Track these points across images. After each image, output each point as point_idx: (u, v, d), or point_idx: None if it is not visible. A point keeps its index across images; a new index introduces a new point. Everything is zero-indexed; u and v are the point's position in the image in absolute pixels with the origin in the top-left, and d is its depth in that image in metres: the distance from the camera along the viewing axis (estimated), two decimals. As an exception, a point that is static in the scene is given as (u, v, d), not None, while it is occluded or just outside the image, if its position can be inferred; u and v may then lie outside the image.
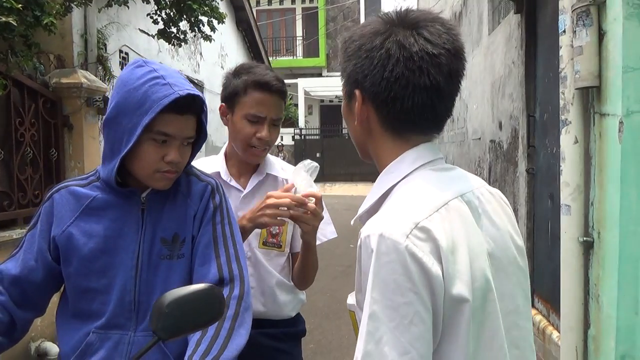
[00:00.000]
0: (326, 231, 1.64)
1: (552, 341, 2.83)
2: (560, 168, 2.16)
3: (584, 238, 2.08)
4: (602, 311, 1.98)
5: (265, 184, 1.62)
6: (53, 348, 3.51)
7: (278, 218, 1.38)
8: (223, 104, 1.57)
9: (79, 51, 4.19)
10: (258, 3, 19.61)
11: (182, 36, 4.30)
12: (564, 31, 2.08)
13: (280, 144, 16.85)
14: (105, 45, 4.57)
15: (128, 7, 4.02)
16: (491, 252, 0.83)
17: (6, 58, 3.04)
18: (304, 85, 19.35)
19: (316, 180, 1.48)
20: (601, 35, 1.90)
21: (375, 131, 0.89)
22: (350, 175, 17.49)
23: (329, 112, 21.58)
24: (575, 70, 1.99)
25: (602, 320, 1.98)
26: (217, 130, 6.86)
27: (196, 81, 6.97)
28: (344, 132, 20.40)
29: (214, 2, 4.38)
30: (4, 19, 2.60)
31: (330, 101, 21.27)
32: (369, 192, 0.91)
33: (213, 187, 1.31)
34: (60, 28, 3.65)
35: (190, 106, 1.19)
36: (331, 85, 19.14)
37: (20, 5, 2.62)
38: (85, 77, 3.99)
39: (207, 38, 4.41)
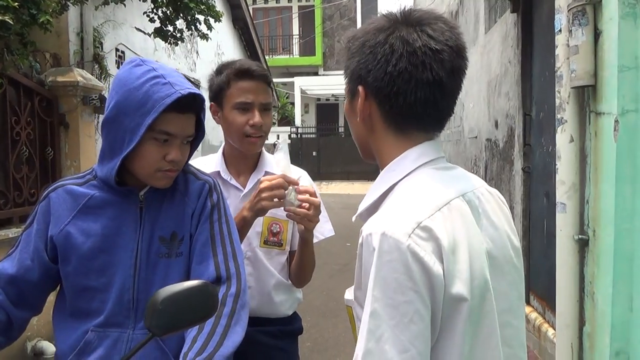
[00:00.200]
0: (324, 229, 1.64)
1: (548, 338, 2.85)
2: (556, 166, 2.18)
3: (579, 236, 2.10)
4: (597, 308, 2.00)
5: None
6: (49, 347, 3.50)
7: (275, 200, 1.40)
8: (212, 103, 1.58)
9: (75, 49, 4.18)
10: (254, 1, 19.58)
11: (178, 35, 4.29)
12: (560, 30, 2.09)
13: (276, 142, 16.87)
14: (101, 43, 4.55)
15: (125, 5, 4.01)
16: (489, 251, 0.84)
17: (2, 56, 3.03)
18: (301, 83, 19.34)
19: (313, 179, 1.49)
20: (597, 34, 1.91)
21: (378, 128, 0.90)
22: (346, 173, 17.50)
23: (325, 110, 21.60)
24: (571, 69, 2.00)
25: (597, 318, 2.00)
26: (213, 129, 6.84)
27: (193, 80, 6.95)
28: (340, 130, 20.41)
29: (210, 1, 4.38)
30: (0, 18, 2.59)
31: (327, 100, 21.28)
32: (369, 189, 0.91)
33: (210, 186, 1.32)
34: (56, 26, 3.65)
35: (191, 105, 1.19)
36: (327, 84, 19.14)
37: (16, 3, 2.62)
38: (81, 76, 3.98)
39: (204, 37, 4.41)
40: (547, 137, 2.67)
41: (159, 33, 4.28)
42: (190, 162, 1.36)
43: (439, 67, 0.83)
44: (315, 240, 1.57)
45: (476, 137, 4.58)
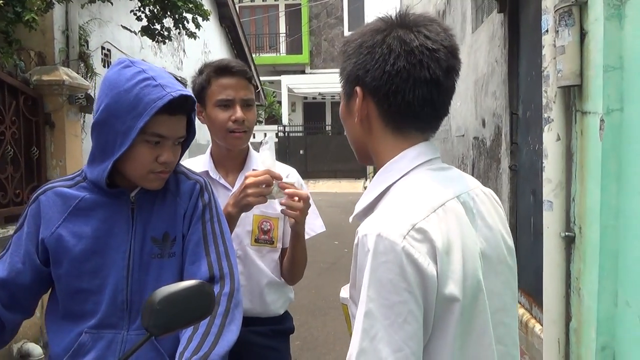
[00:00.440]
0: (315, 225, 1.66)
1: (535, 334, 2.89)
2: (543, 165, 2.21)
3: (566, 233, 2.13)
4: (583, 304, 2.03)
5: None
6: (36, 349, 3.46)
7: (261, 196, 1.41)
8: (198, 104, 1.59)
9: (60, 48, 4.13)
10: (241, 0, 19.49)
11: (166, 33, 4.26)
12: (547, 31, 2.12)
13: (263, 140, 16.84)
14: (87, 42, 4.50)
15: (112, 3, 3.97)
16: (483, 251, 0.86)
17: (-14, 55, 2.98)
18: (287, 82, 19.31)
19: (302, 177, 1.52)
20: (583, 35, 1.94)
21: (375, 128, 0.91)
22: (333, 172, 17.53)
23: (312, 109, 21.58)
24: (558, 69, 2.03)
25: (583, 313, 2.04)
26: (199, 128, 6.81)
27: (179, 78, 6.90)
28: (327, 129, 20.42)
29: (198, -1, 4.35)
30: (-16, 15, 2.55)
31: (314, 98, 21.26)
32: (366, 190, 0.92)
33: (202, 185, 1.32)
34: (41, 24, 3.60)
35: (182, 106, 1.19)
36: (314, 82, 19.13)
37: (1, 1, 2.58)
38: (67, 74, 3.93)
39: (192, 35, 4.38)
40: (533, 136, 2.71)
41: (146, 31, 4.24)
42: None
43: (436, 66, 0.85)
44: (306, 237, 1.59)
45: (463, 135, 4.63)
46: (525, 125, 2.84)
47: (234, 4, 9.26)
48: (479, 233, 0.86)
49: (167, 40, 4.36)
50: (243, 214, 1.48)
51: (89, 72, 4.48)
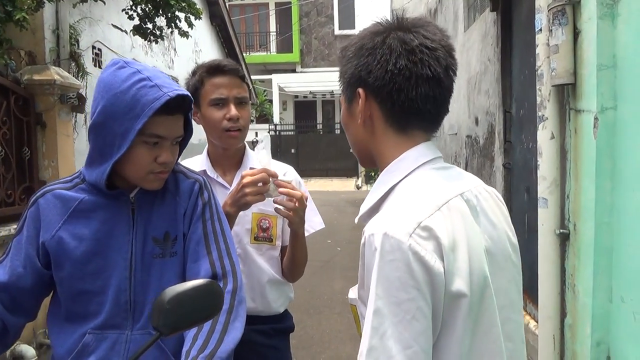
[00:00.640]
0: (314, 222, 1.66)
1: (530, 330, 2.92)
2: (538, 163, 2.23)
3: (561, 230, 2.15)
4: (578, 300, 2.06)
5: None
6: (29, 350, 3.43)
7: (258, 195, 1.42)
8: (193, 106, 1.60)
9: (50, 47, 4.09)
10: (231, -2, 19.41)
11: (158, 32, 4.23)
12: (540, 30, 2.14)
13: (255, 139, 16.81)
14: (77, 41, 4.46)
15: (104, 2, 3.94)
16: (488, 249, 0.87)
17: (-24, 55, 2.95)
18: (278, 81, 19.27)
19: None
20: (576, 34, 1.96)
21: (378, 129, 0.92)
22: (325, 170, 17.54)
23: (303, 107, 21.56)
24: (552, 67, 2.05)
25: (578, 309, 2.06)
26: (194, 127, 6.78)
27: (171, 77, 6.87)
28: (318, 127, 20.41)
29: (191, -2, 4.32)
30: (-25, 15, 2.52)
31: (305, 97, 21.24)
32: (370, 191, 0.93)
33: (201, 184, 1.32)
34: (31, 23, 3.56)
35: (180, 106, 1.19)
36: (305, 81, 19.11)
37: (-9, 0, 2.55)
38: (58, 74, 3.89)
39: (184, 34, 4.36)
40: (527, 134, 2.73)
41: (138, 30, 4.21)
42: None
43: (436, 64, 0.87)
44: (306, 234, 1.59)
45: (456, 133, 4.65)
46: (519, 123, 2.87)
47: (224, 3, 9.22)
48: (483, 231, 0.87)
49: (159, 40, 4.33)
50: (242, 212, 1.48)
51: (80, 71, 4.45)
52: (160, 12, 4.00)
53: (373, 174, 14.14)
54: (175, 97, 1.14)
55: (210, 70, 1.57)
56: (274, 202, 1.45)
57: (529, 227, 2.97)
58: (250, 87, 1.81)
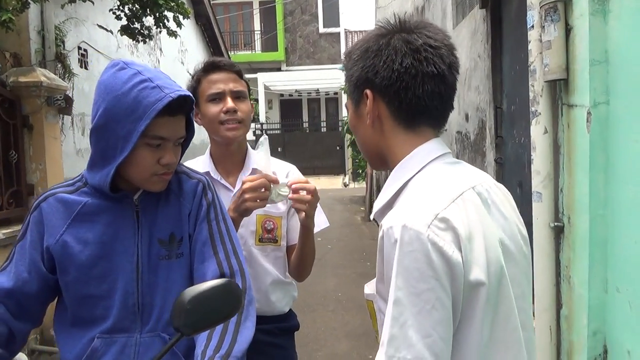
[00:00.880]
0: (319, 220, 1.67)
1: (523, 323, 2.96)
2: (531, 157, 2.26)
3: (555, 223, 2.19)
4: (574, 291, 2.09)
5: None
6: (22, 357, 3.38)
7: (258, 200, 1.42)
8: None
9: (36, 48, 4.04)
10: (214, -3, 19.25)
11: (146, 32, 4.19)
12: (533, 26, 2.17)
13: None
14: (63, 42, 4.40)
15: (93, 2, 3.89)
16: (502, 240, 0.89)
17: (-38, 57, 2.90)
18: (264, 80, 19.20)
19: None
20: (568, 30, 2.00)
21: (387, 128, 0.94)
22: (312, 168, 17.54)
23: (289, 106, 21.53)
24: (544, 63, 2.08)
25: (574, 300, 2.10)
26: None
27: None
28: (304, 125, 20.40)
29: (179, -2, 4.28)
30: (-39, 16, 2.48)
31: (290, 95, 21.21)
32: (383, 188, 0.95)
33: (204, 184, 1.32)
34: (16, 24, 3.51)
35: (182, 106, 1.19)
36: (291, 80, 19.07)
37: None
38: (44, 76, 3.84)
39: (173, 34, 4.32)
40: (518, 129, 2.77)
41: (126, 31, 4.17)
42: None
43: (440, 62, 0.91)
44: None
45: (446, 130, 4.68)
46: (510, 118, 2.91)
47: (209, 2, 9.17)
48: (495, 222, 0.90)
49: (147, 40, 4.29)
50: None
51: (67, 72, 4.39)
52: (148, 11, 3.96)
53: (360, 172, 14.17)
54: (177, 97, 1.14)
55: (206, 67, 1.58)
56: (289, 198, 1.46)
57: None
58: (248, 83, 1.82)
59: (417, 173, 0.91)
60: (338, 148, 17.80)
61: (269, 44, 20.01)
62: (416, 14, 5.93)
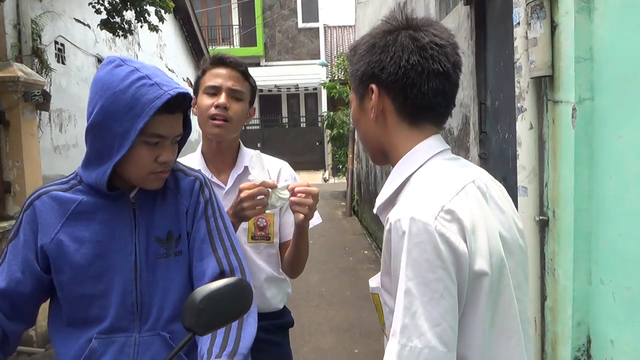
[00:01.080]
0: (313, 218, 1.67)
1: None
2: (517, 152, 2.30)
3: (540, 217, 2.23)
4: (558, 284, 2.14)
5: (245, 177, 1.63)
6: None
7: (257, 208, 1.42)
8: (193, 96, 1.60)
9: (12, 43, 3.93)
10: (191, -10, 18.97)
11: (126, 26, 4.11)
12: (519, 23, 2.20)
13: None
14: (40, 36, 4.30)
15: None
16: (500, 232, 0.92)
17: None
18: (243, 75, 19.05)
19: None
20: (554, 27, 2.03)
21: (391, 123, 0.96)
22: (292, 164, 17.03)
23: (268, 102, 21.42)
24: (530, 60, 2.11)
25: (558, 292, 2.15)
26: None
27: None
28: (284, 121, 20.34)
29: (160, -8, 4.21)
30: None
31: (269, 91, 21.11)
32: (386, 183, 0.97)
33: (201, 182, 1.32)
34: (-8, 18, 3.41)
35: (180, 104, 1.18)
36: (270, 75, 18.97)
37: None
38: (21, 71, 3.75)
39: (154, 28, 4.25)
40: (503, 125, 2.81)
41: (106, 25, 4.09)
42: None
43: (445, 60, 0.93)
44: None
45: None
46: (494, 114, 2.95)
47: (188, -4, 9.04)
48: (494, 216, 0.93)
49: (128, 34, 4.21)
50: None
51: (44, 67, 4.29)
52: (129, 5, 3.88)
53: (340, 167, 14.20)
54: (176, 95, 1.13)
55: (213, 61, 1.59)
56: (291, 201, 1.45)
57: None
58: (255, 86, 1.77)
59: (418, 168, 0.93)
60: (318, 144, 17.82)
61: (248, 39, 19.85)
62: (397, 9, 5.95)
